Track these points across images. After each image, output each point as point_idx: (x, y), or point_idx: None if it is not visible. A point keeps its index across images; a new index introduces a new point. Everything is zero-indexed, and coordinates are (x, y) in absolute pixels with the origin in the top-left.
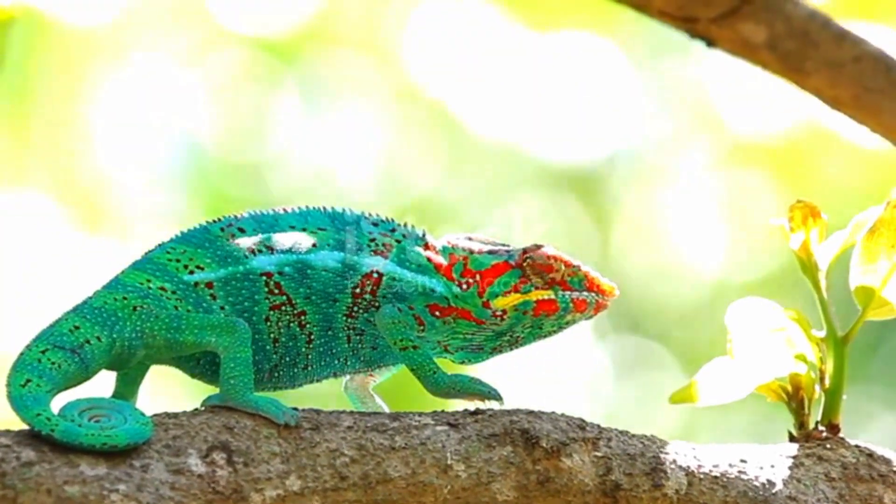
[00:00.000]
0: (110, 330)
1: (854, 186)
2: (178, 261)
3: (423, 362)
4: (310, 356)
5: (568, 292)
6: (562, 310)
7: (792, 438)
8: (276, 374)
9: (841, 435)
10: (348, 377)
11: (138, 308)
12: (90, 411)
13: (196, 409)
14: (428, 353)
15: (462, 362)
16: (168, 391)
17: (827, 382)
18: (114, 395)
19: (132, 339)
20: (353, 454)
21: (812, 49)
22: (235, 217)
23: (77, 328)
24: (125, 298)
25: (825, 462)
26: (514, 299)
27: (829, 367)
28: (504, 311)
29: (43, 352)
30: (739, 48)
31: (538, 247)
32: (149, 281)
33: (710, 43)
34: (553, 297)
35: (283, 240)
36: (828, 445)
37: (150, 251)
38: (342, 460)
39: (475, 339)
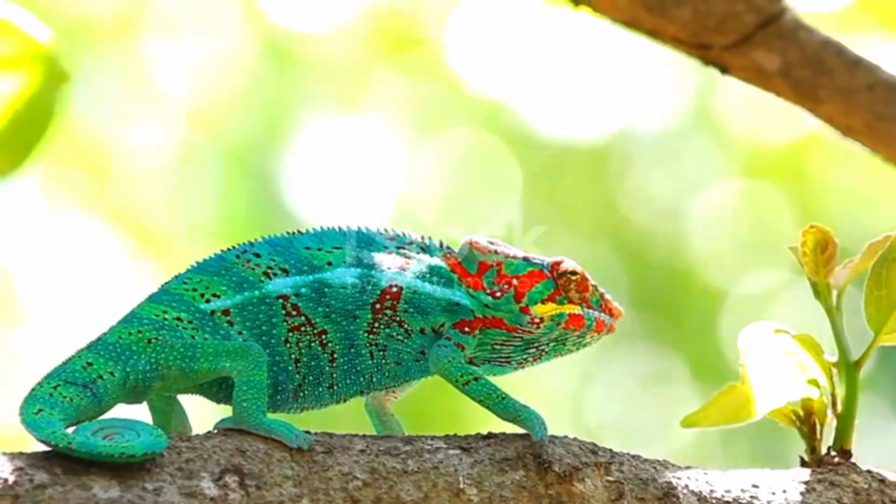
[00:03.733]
0: (124, 364)
1: (863, 196)
2: (194, 290)
3: (489, 391)
4: (334, 375)
5: (592, 311)
6: (587, 327)
7: (804, 463)
8: (302, 395)
9: (853, 460)
10: (369, 396)
11: (153, 340)
12: (102, 431)
13: (209, 432)
14: (490, 381)
15: (487, 374)
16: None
17: (839, 407)
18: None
19: (146, 371)
20: (365, 478)
21: (825, 77)
22: (250, 243)
23: (90, 364)
24: (140, 332)
25: (837, 487)
26: (551, 308)
27: (842, 393)
28: (541, 319)
29: (55, 387)
30: (753, 75)
31: (565, 260)
32: (165, 312)
33: (724, 70)
34: (581, 313)
35: (298, 261)
36: (840, 471)
37: (166, 283)
38: (354, 484)
39: (503, 349)
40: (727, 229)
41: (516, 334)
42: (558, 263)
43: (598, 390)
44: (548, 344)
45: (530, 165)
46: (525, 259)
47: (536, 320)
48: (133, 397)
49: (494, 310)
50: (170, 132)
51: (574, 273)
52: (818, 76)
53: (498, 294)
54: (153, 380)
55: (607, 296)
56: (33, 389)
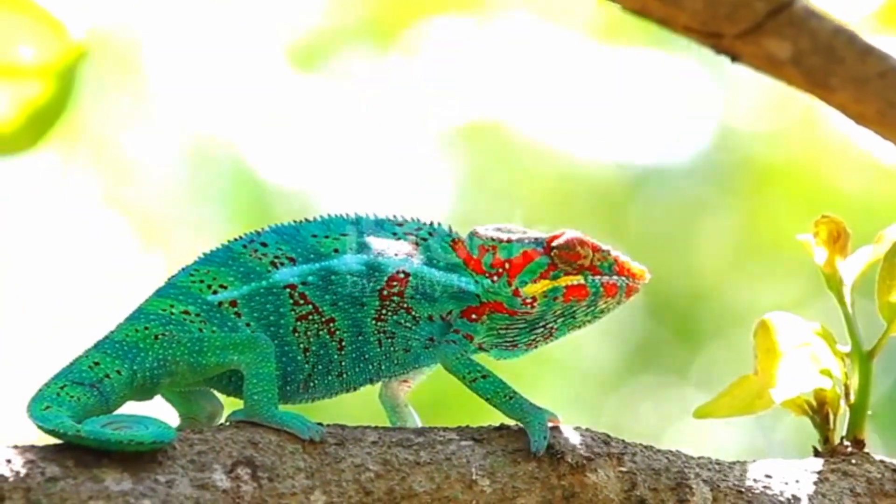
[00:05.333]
0: (131, 362)
1: (875, 201)
2: (202, 281)
3: (497, 389)
4: (343, 363)
5: (598, 277)
6: (592, 295)
7: (817, 453)
8: (311, 384)
9: (866, 450)
10: (383, 386)
11: (160, 336)
12: (112, 424)
13: (221, 425)
14: (500, 378)
15: (499, 359)
16: None
17: (852, 397)
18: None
19: (153, 368)
20: (377, 469)
21: (837, 65)
22: (257, 232)
23: (97, 364)
24: (146, 328)
25: (850, 477)
26: (543, 286)
27: (854, 383)
28: (534, 298)
29: (62, 387)
30: (764, 64)
31: (565, 233)
32: (172, 306)
33: (735, 58)
34: (583, 282)
35: (304, 249)
36: (853, 461)
37: (173, 276)
38: (367, 475)
39: (509, 333)
40: (742, 244)
41: (517, 317)
42: (553, 238)
43: (615, 399)
44: (555, 321)
45: (538, 186)
46: (519, 241)
47: (528, 301)
48: (142, 394)
49: (494, 294)
50: (179, 132)
51: (564, 244)
52: (830, 64)
53: (495, 278)
54: (161, 376)
55: (623, 258)
56: (40, 390)
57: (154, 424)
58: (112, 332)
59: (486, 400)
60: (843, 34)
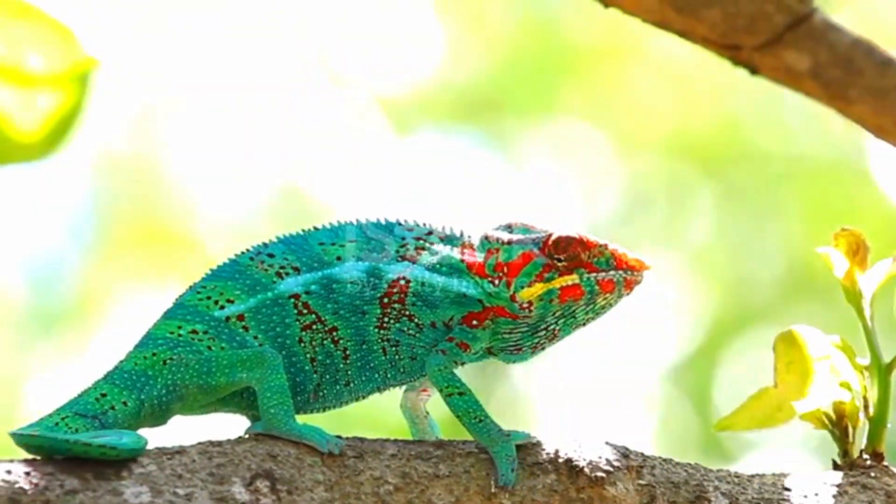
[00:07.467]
0: (139, 392)
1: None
2: (209, 298)
3: (468, 409)
4: (349, 372)
5: (593, 274)
6: (588, 293)
7: (836, 467)
8: (321, 394)
9: (885, 463)
10: (403, 396)
11: (168, 361)
12: (89, 436)
13: (240, 437)
14: (475, 399)
15: (508, 363)
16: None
17: (871, 410)
18: None
19: (162, 395)
20: (396, 482)
21: (856, 77)
22: (264, 244)
23: (104, 396)
24: (154, 354)
25: (869, 490)
26: (538, 289)
27: (874, 395)
28: (530, 303)
29: (63, 417)
30: (783, 76)
31: (559, 232)
32: (179, 328)
33: (754, 71)
34: (578, 281)
35: (309, 258)
36: (872, 474)
37: (181, 295)
38: (386, 488)
39: (512, 337)
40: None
41: (519, 321)
42: (548, 238)
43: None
44: (556, 322)
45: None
46: (520, 242)
47: (525, 305)
48: (153, 421)
49: (496, 298)
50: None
51: (556, 243)
52: (849, 76)
53: (496, 282)
54: (172, 402)
55: (621, 251)
56: (41, 418)
57: (127, 436)
58: (122, 361)
59: (457, 417)
60: (861, 46)
